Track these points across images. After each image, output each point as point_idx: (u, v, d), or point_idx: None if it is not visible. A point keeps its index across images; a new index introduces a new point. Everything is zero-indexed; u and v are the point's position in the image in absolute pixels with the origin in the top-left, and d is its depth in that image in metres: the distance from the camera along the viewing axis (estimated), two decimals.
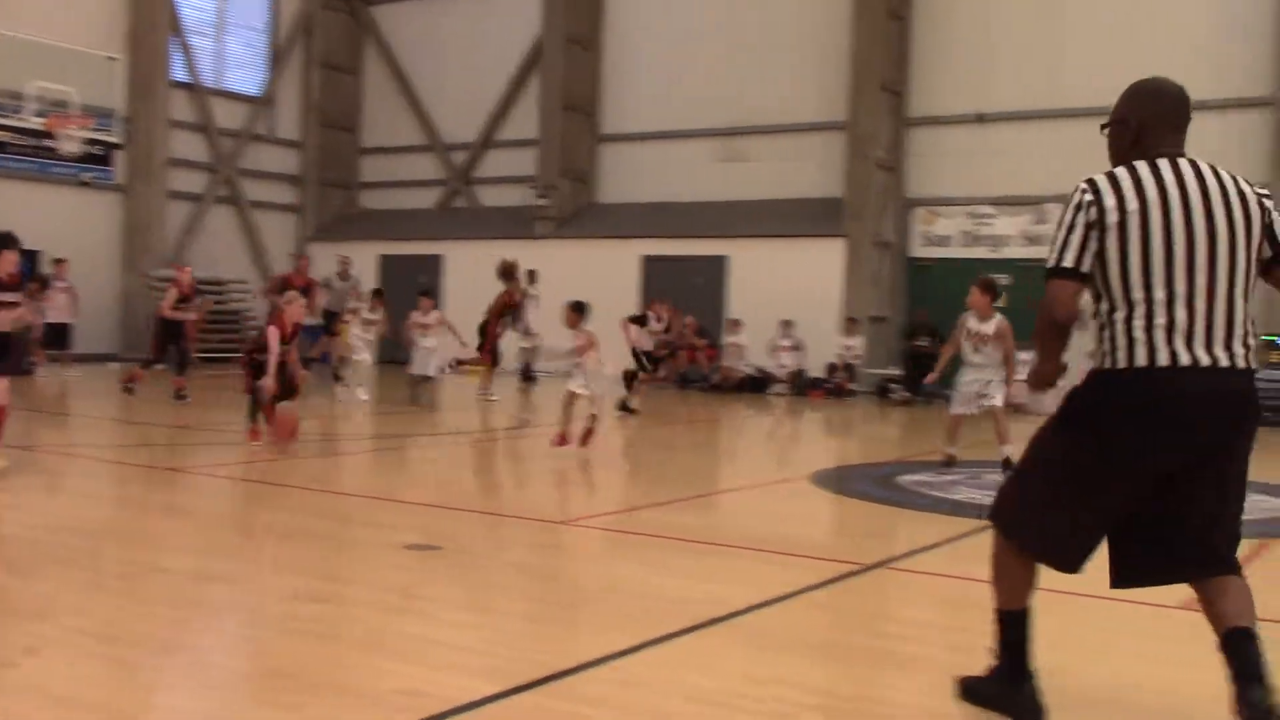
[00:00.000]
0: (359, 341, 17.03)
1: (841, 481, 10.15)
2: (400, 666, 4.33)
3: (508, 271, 17.65)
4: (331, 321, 18.74)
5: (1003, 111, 21.04)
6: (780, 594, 5.66)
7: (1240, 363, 3.54)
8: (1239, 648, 3.53)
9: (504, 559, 6.71)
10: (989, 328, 10.56)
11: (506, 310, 17.58)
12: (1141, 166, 3.60)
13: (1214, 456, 3.59)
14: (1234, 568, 3.71)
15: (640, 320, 16.57)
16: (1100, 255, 3.57)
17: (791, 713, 3.99)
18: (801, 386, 21.28)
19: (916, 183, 22.20)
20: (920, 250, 22.20)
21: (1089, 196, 3.59)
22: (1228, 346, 3.52)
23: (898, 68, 22.00)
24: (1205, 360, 3.49)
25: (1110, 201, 3.55)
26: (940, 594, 6.14)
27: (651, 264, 23.88)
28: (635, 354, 15.97)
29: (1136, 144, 3.70)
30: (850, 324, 21.34)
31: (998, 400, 10.65)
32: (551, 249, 23.96)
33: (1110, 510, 3.70)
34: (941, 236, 21.98)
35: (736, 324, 22.07)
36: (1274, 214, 3.64)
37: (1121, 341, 3.56)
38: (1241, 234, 3.54)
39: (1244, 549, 7.72)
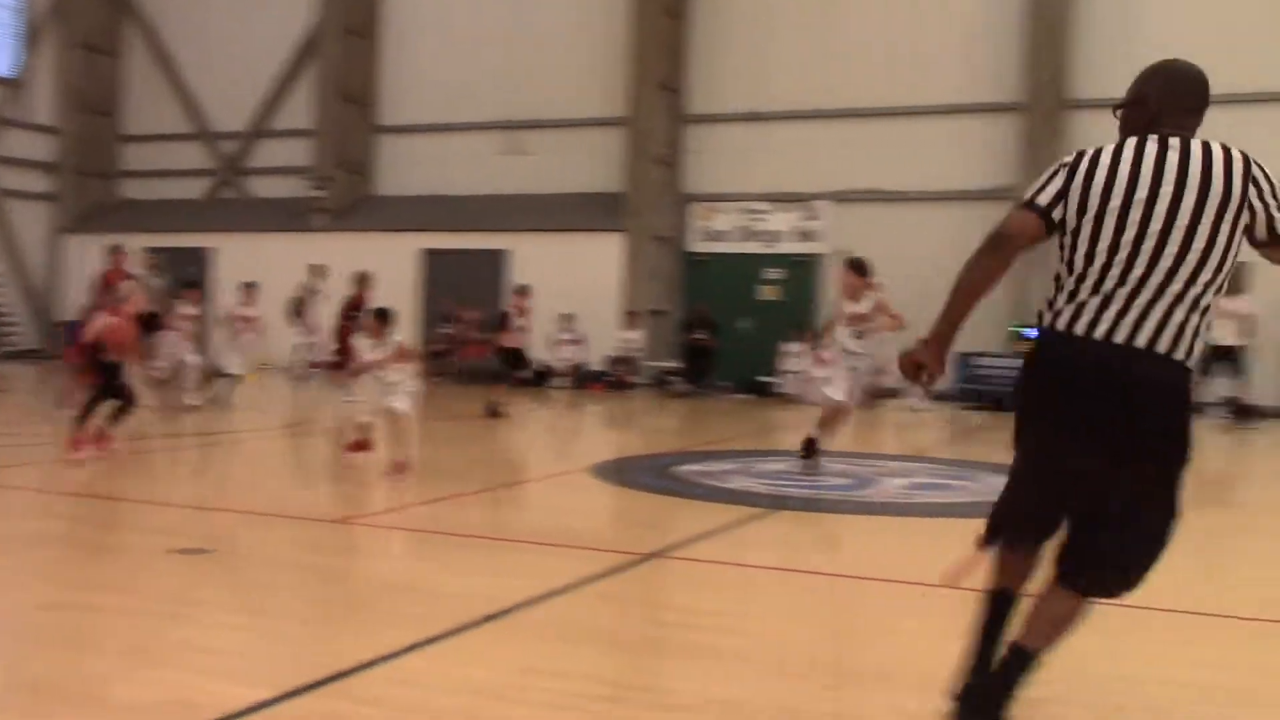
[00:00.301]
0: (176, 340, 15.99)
1: (622, 473, 10.25)
2: (167, 675, 4.15)
3: (362, 279, 17.18)
4: (152, 324, 17.54)
5: (776, 110, 21.64)
6: (563, 586, 5.68)
7: (1161, 348, 3.33)
8: (1008, 663, 3.53)
9: (281, 560, 6.52)
10: (865, 306, 10.17)
11: (353, 310, 17.06)
12: (1130, 143, 3.49)
13: (1133, 445, 3.39)
14: (1083, 586, 3.51)
15: (503, 321, 16.32)
16: (1062, 219, 3.50)
17: (577, 704, 4.01)
18: (582, 380, 21.40)
19: (694, 179, 22.61)
20: (698, 245, 22.63)
21: (1069, 159, 3.55)
22: (1158, 329, 3.33)
23: (675, 65, 22.35)
24: (1118, 337, 3.35)
25: (1082, 169, 3.49)
26: (718, 580, 6.27)
27: (431, 257, 23.61)
28: (505, 353, 15.99)
29: (1151, 124, 3.52)
30: (630, 317, 21.59)
31: (851, 400, 10.29)
32: (327, 242, 23.39)
33: (1056, 483, 3.55)
34: (718, 232, 22.45)
35: None
36: (1272, 203, 3.37)
37: (1051, 304, 3.51)
38: (1208, 221, 3.33)
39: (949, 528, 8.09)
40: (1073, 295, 3.44)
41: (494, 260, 23.06)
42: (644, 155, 22.05)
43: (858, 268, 10.31)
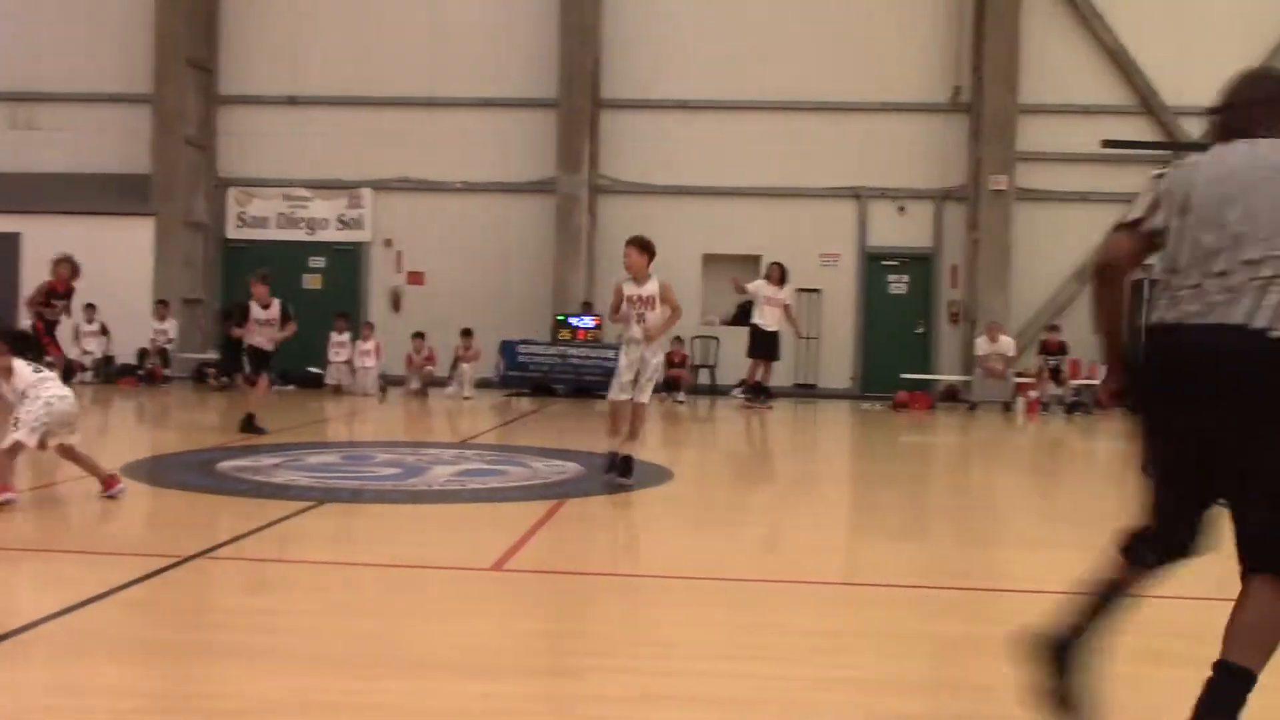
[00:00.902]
0: None
1: (157, 472, 9.73)
2: None
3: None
4: None
5: (315, 96, 21.22)
6: (90, 596, 5.31)
7: (1260, 324, 3.37)
8: (1220, 688, 3.39)
9: None
10: (650, 289, 9.29)
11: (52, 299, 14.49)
12: (1220, 146, 3.65)
13: (1249, 418, 3.40)
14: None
15: (244, 312, 13.61)
16: (1162, 228, 3.60)
17: None
18: (111, 374, 20.07)
19: (230, 162, 21.74)
20: (236, 231, 21.79)
21: (1161, 170, 3.71)
22: (1254, 307, 3.39)
23: (207, 44, 21.37)
24: (1215, 318, 3.43)
25: (1175, 174, 3.63)
26: (259, 578, 6.13)
27: None
28: (253, 354, 13.38)
29: (1246, 129, 3.65)
30: (162, 307, 20.48)
31: (645, 397, 9.31)
32: None
33: (1189, 474, 3.60)
34: (258, 218, 21.73)
35: None
36: None
37: (1156, 303, 3.60)
38: None
39: (537, 511, 8.42)
40: (1175, 289, 3.54)
41: (5, 245, 21.03)
42: (173, 136, 20.88)
43: (646, 247, 9.36)
